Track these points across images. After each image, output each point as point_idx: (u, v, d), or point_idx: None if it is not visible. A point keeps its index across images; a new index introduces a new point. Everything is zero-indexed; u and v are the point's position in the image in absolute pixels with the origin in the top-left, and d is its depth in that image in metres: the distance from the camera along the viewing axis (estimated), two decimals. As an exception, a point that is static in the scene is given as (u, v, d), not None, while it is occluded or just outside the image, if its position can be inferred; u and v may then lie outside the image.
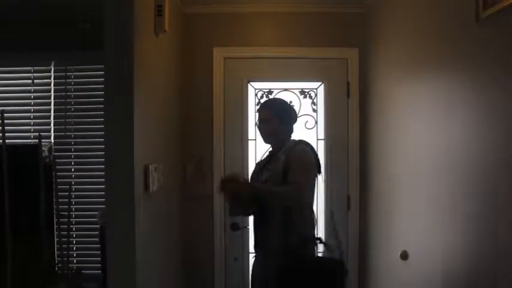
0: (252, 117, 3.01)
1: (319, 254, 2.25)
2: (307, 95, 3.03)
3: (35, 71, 2.72)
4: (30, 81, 2.72)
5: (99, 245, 2.27)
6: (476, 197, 1.53)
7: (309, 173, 2.14)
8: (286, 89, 3.02)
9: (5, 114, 2.09)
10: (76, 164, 2.70)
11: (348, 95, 2.98)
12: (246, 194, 2.03)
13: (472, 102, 1.57)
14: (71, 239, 2.44)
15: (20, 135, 2.68)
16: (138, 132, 1.80)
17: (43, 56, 2.67)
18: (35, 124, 2.71)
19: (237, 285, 2.95)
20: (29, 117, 2.72)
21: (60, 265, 2.31)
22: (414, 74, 2.15)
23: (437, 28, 1.87)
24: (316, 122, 3.03)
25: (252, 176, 2.36)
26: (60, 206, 2.36)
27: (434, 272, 1.87)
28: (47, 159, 2.36)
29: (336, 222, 2.71)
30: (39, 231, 2.16)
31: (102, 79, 1.77)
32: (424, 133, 2.01)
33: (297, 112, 2.70)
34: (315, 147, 2.32)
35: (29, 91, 2.73)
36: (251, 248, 2.73)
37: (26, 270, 2.13)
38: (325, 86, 3.01)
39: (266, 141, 2.32)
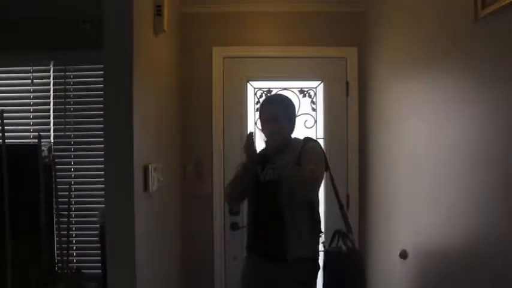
0: (252, 116, 3.01)
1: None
2: (307, 94, 3.04)
3: (35, 71, 2.72)
4: (30, 81, 2.72)
5: (99, 245, 2.27)
6: (475, 197, 1.54)
7: (323, 167, 2.05)
8: (285, 88, 3.02)
9: (5, 114, 2.09)
10: (76, 164, 2.70)
11: (347, 94, 2.98)
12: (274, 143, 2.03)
13: (471, 101, 1.57)
14: (71, 239, 2.45)
15: (19, 135, 2.68)
16: (138, 132, 1.80)
17: (42, 55, 2.68)
18: (34, 124, 2.71)
19: (236, 285, 2.95)
20: (28, 117, 2.72)
21: (60, 265, 2.31)
22: (413, 73, 2.15)
23: (436, 27, 1.87)
24: (316, 121, 3.03)
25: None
26: (60, 206, 2.37)
27: (434, 272, 1.87)
28: (47, 159, 2.37)
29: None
30: (39, 231, 2.17)
31: (102, 79, 1.77)
32: (423, 132, 2.01)
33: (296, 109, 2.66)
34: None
35: (28, 91, 2.73)
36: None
37: (26, 270, 2.14)
38: (324, 85, 3.01)
39: (270, 140, 2.08)
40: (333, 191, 2.15)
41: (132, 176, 1.75)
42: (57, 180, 2.33)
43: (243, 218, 2.89)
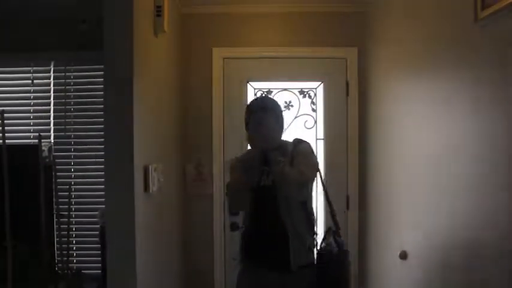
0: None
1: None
2: (307, 95, 3.04)
3: (35, 71, 2.72)
4: (30, 81, 2.72)
5: (99, 245, 2.27)
6: (475, 197, 1.54)
7: (317, 166, 2.07)
8: (285, 89, 3.02)
9: (5, 115, 2.09)
10: (76, 164, 2.70)
11: (347, 95, 2.98)
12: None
13: (471, 101, 1.57)
14: (71, 239, 2.45)
15: (19, 135, 2.68)
16: (138, 132, 1.80)
17: (42, 56, 2.67)
18: (34, 124, 2.70)
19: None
20: (28, 117, 2.72)
21: (60, 265, 2.31)
22: (413, 73, 2.15)
23: (436, 28, 1.87)
24: (316, 122, 3.03)
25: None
26: (60, 206, 2.37)
27: (433, 272, 1.87)
28: (47, 159, 2.36)
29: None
30: (39, 231, 2.17)
31: (102, 79, 1.77)
32: (423, 132, 2.01)
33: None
34: (313, 147, 2.28)
35: (28, 91, 2.72)
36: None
37: (26, 271, 2.14)
38: (324, 85, 3.02)
39: (263, 144, 2.02)
40: (323, 191, 2.15)
41: (132, 176, 1.75)
42: (58, 180, 2.33)
43: (243, 218, 2.88)
